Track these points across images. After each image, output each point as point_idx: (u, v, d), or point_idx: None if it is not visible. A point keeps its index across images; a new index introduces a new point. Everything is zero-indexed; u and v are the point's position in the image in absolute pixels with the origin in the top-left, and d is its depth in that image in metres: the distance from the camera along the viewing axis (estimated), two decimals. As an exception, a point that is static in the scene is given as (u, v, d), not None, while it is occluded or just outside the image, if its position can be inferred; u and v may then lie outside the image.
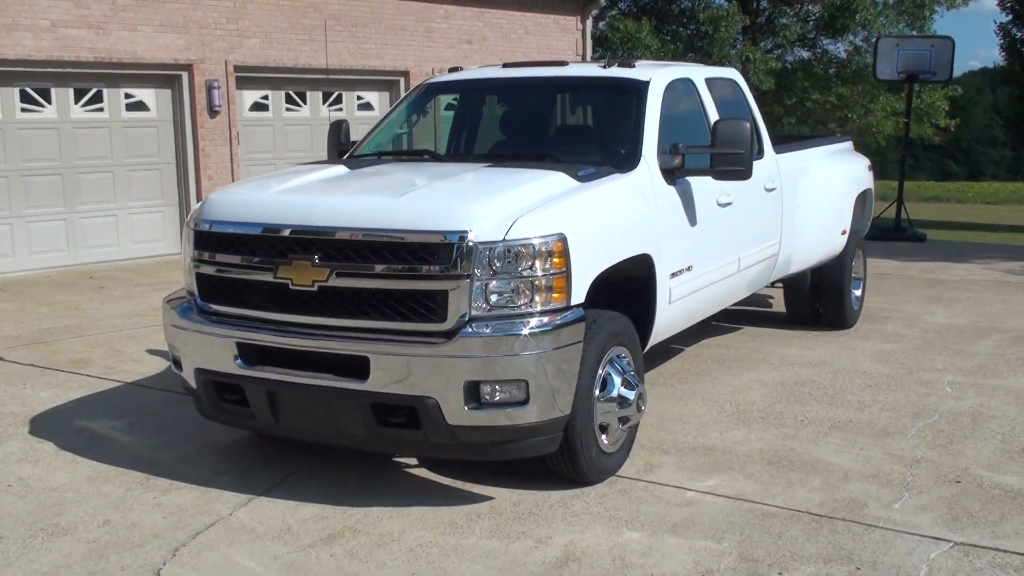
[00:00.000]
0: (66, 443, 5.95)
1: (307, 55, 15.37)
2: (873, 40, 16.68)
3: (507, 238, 4.61)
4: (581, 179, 5.29)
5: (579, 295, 4.84)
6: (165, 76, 14.04)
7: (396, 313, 4.69)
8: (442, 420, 4.62)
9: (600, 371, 5.10)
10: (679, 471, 5.44)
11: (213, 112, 14.38)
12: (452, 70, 7.14)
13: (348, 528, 4.71)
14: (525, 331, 4.59)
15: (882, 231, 16.67)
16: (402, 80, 16.94)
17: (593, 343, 5.00)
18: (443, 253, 4.60)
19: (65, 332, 9.13)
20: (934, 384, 7.13)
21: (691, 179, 6.07)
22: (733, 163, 5.84)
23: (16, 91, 12.78)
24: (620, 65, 6.46)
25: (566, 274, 4.74)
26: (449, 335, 4.59)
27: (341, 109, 16.31)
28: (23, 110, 12.90)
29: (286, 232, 4.91)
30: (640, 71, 6.31)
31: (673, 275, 5.86)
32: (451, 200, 4.89)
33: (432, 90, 6.99)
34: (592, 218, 5.07)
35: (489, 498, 5.06)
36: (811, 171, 8.27)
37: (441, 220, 4.66)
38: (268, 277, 4.92)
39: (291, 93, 15.68)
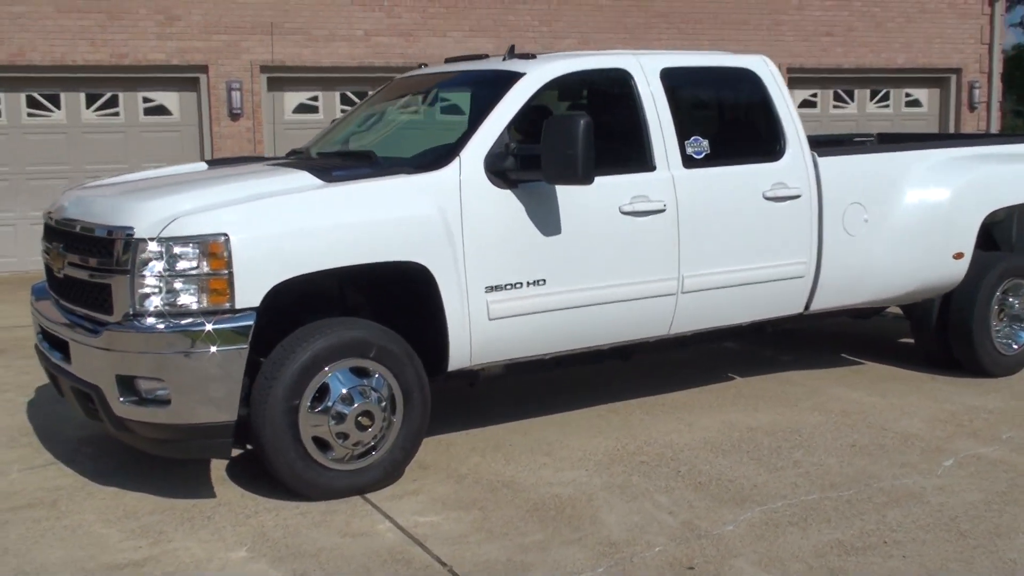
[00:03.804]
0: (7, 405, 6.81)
1: (627, 54, 15.28)
2: None
3: (161, 236, 4.57)
4: (334, 179, 5.03)
5: (250, 298, 4.61)
6: (475, 78, 14.89)
7: (90, 304, 4.90)
8: (110, 410, 4.74)
9: (317, 381, 4.82)
10: (427, 502, 4.94)
11: (519, 111, 14.92)
12: (420, 66, 6.96)
13: (49, 503, 5.00)
14: (164, 330, 4.54)
15: None
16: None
17: (299, 351, 4.77)
18: (109, 248, 4.72)
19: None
20: (941, 454, 5.55)
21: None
22: (564, 164, 5.10)
23: (336, 95, 14.41)
24: (520, 58, 5.86)
25: (227, 276, 4.57)
26: (105, 328, 4.70)
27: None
28: (342, 111, 14.51)
29: (52, 223, 5.35)
30: (523, 64, 5.67)
31: (493, 289, 5.26)
32: (136, 199, 4.96)
33: (396, 86, 6.87)
34: (294, 220, 4.75)
35: (212, 498, 5.04)
36: (899, 180, 6.72)
37: (115, 217, 4.80)
38: (48, 263, 5.40)
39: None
